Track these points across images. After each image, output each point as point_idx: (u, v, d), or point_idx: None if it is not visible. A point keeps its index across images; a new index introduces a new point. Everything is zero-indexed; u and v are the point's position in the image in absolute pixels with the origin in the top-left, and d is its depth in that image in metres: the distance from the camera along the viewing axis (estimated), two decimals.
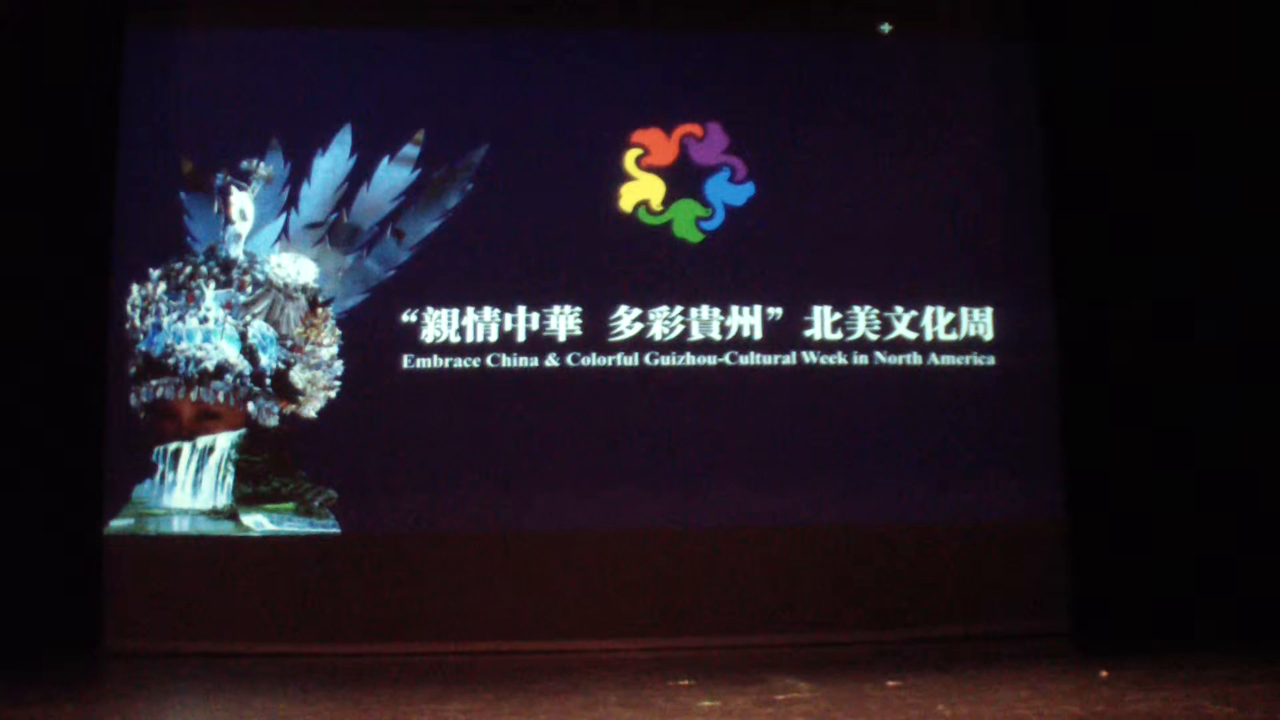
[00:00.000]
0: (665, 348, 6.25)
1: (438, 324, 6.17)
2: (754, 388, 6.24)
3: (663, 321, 6.26)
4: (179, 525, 6.00)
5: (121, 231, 6.12)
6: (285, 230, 6.22)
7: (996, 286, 6.41)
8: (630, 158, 6.35)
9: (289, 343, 6.13)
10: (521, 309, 6.21)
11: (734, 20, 6.50)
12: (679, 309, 6.28)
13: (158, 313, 6.10)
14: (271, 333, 6.13)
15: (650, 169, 6.36)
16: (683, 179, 6.36)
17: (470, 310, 6.19)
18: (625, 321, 6.25)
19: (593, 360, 6.20)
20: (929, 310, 6.35)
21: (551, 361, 6.19)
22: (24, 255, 5.93)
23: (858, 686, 4.65)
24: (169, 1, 6.35)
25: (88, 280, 6.05)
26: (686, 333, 6.27)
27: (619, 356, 6.22)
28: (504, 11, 6.46)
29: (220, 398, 6.08)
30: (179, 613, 5.88)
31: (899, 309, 6.35)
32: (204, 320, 6.11)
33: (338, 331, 6.16)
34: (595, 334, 6.22)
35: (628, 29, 6.52)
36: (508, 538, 6.05)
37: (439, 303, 6.19)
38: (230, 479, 6.04)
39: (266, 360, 6.11)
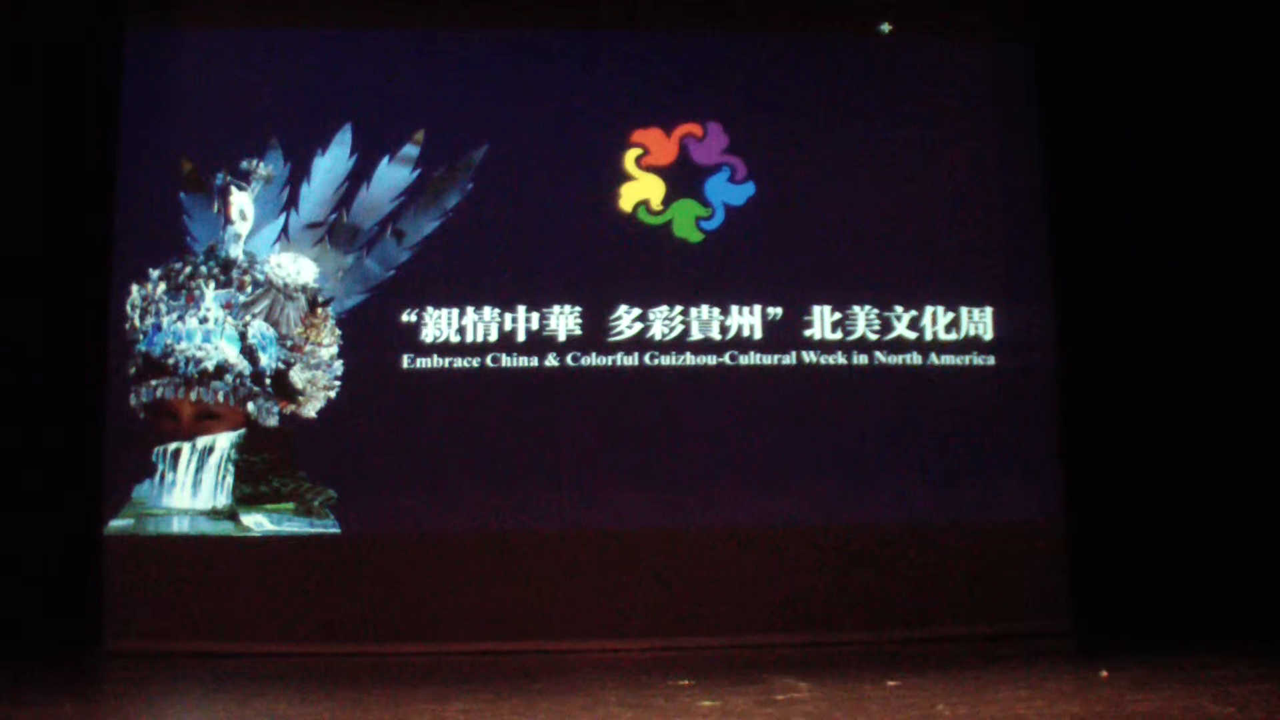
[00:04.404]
0: (665, 348, 6.24)
1: (438, 324, 6.17)
2: (754, 388, 6.23)
3: (663, 321, 6.26)
4: (179, 525, 6.00)
5: (121, 231, 6.12)
6: (285, 230, 6.22)
7: (996, 286, 6.41)
8: (630, 158, 6.35)
9: (289, 343, 6.13)
10: (521, 309, 6.21)
11: (734, 20, 6.50)
12: (679, 309, 6.28)
13: (158, 313, 6.10)
14: (271, 333, 6.13)
15: (650, 169, 6.36)
16: (683, 179, 6.36)
17: (470, 310, 6.19)
18: (625, 321, 6.25)
19: (593, 360, 6.20)
20: (929, 310, 6.35)
21: (551, 361, 6.19)
22: (24, 255, 5.93)
23: (858, 686, 4.65)
24: (169, 1, 6.35)
25: (88, 280, 6.04)
26: (686, 333, 6.27)
27: (619, 356, 6.22)
28: (504, 11, 6.46)
29: (220, 398, 6.08)
30: (179, 613, 5.88)
31: (899, 309, 6.35)
32: (204, 320, 6.11)
33: (338, 331, 6.16)
34: (595, 334, 6.22)
35: (628, 29, 6.51)
36: (508, 538, 6.05)
37: (439, 303, 6.19)
38: (230, 479, 6.04)
39: (266, 360, 6.11)
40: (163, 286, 6.12)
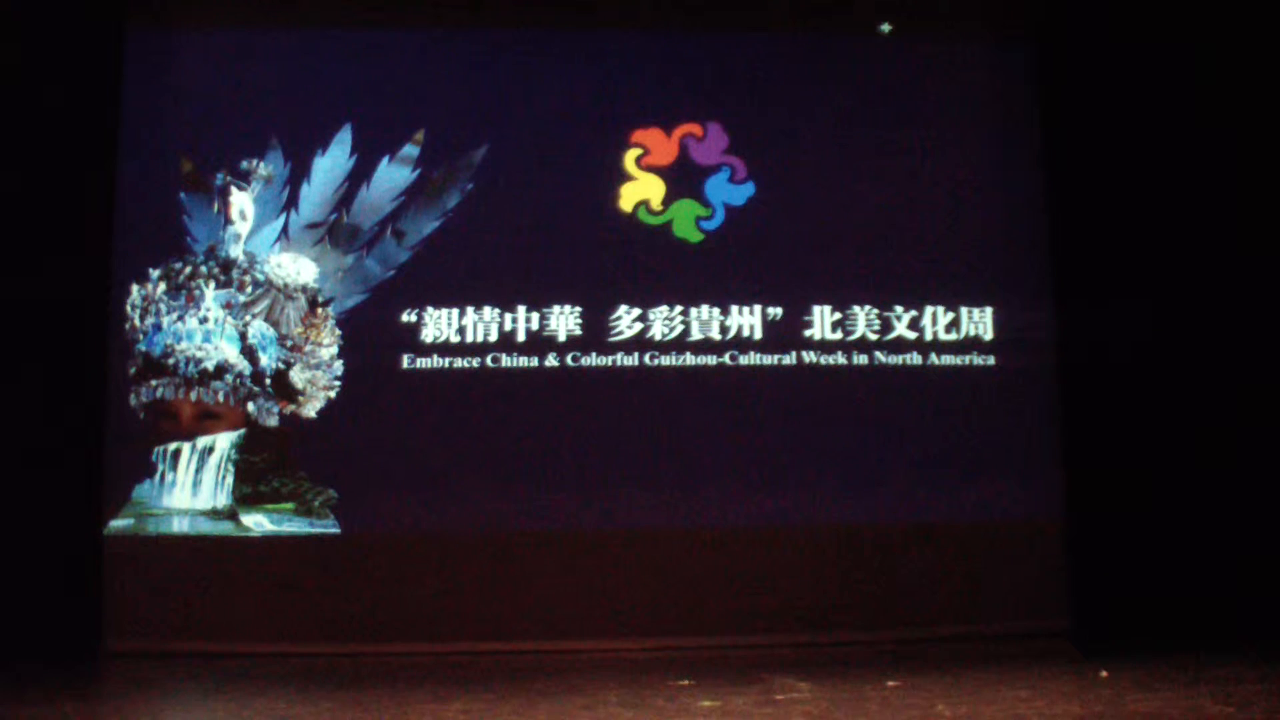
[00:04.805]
0: (665, 348, 6.24)
1: (438, 324, 6.17)
2: (754, 388, 6.23)
3: (663, 321, 6.26)
4: (179, 525, 6.00)
5: (121, 231, 6.11)
6: (285, 230, 6.22)
7: (996, 286, 6.41)
8: (630, 158, 6.35)
9: (289, 343, 6.13)
10: (521, 309, 6.21)
11: (734, 20, 6.50)
12: (679, 309, 6.28)
13: (158, 313, 6.10)
14: (271, 333, 6.13)
15: (650, 169, 6.35)
16: (683, 179, 6.36)
17: (470, 310, 6.19)
18: (625, 321, 6.25)
19: (593, 360, 6.20)
20: (929, 310, 6.35)
21: (551, 361, 6.19)
22: (24, 256, 5.93)
23: (858, 686, 4.65)
24: (169, 1, 6.35)
25: (88, 280, 6.04)
26: (686, 333, 6.27)
27: (619, 356, 6.22)
28: (504, 11, 6.46)
29: (220, 398, 6.08)
30: (179, 613, 5.87)
31: (899, 309, 6.34)
32: (204, 320, 6.11)
33: (338, 331, 6.16)
34: (595, 334, 6.22)
35: (628, 29, 6.52)
36: (508, 538, 6.05)
37: (439, 303, 6.19)
38: (230, 479, 6.04)
39: (266, 360, 6.11)
40: (163, 286, 6.12)
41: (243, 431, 6.08)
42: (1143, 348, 6.15)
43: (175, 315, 6.10)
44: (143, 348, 6.08)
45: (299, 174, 6.23)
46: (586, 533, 6.09)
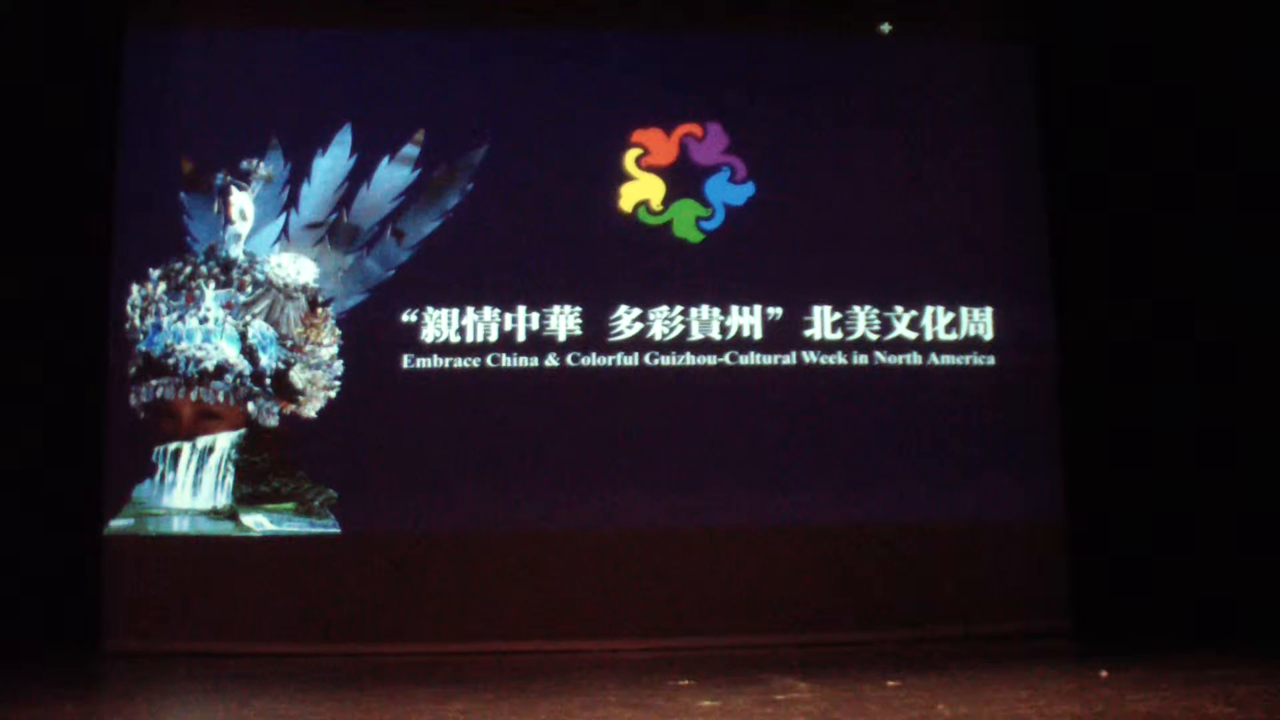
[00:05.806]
0: (665, 348, 6.24)
1: (438, 324, 6.17)
2: (754, 388, 6.23)
3: (663, 321, 6.26)
4: (179, 525, 6.00)
5: (121, 231, 6.12)
6: (285, 230, 6.22)
7: (996, 286, 6.41)
8: (630, 158, 6.35)
9: (289, 343, 6.13)
10: (521, 309, 6.21)
11: (734, 20, 6.50)
12: (679, 309, 6.28)
13: (158, 313, 6.10)
14: (271, 333, 6.13)
15: (650, 169, 6.36)
16: (683, 179, 6.36)
17: (470, 310, 6.19)
18: (625, 321, 6.25)
19: (593, 360, 6.20)
20: (929, 310, 6.35)
21: (551, 361, 6.19)
22: (24, 255, 5.93)
23: (858, 686, 4.65)
24: (169, 1, 6.35)
25: (88, 280, 6.04)
26: (686, 333, 6.27)
27: (619, 356, 6.22)
28: (504, 11, 6.46)
29: (220, 398, 6.08)
30: (179, 613, 5.88)
31: (899, 309, 6.35)
32: (204, 320, 6.11)
33: (338, 331, 6.16)
34: (595, 334, 6.22)
35: (628, 29, 6.52)
36: (508, 538, 6.05)
37: (439, 303, 6.19)
38: (230, 479, 6.04)
39: (266, 360, 6.11)
40: (163, 286, 6.12)
41: (243, 431, 6.08)
42: (1143, 348, 6.15)
43: (175, 315, 6.10)
44: (143, 348, 6.08)
45: (299, 174, 6.23)
46: (586, 533, 6.09)
